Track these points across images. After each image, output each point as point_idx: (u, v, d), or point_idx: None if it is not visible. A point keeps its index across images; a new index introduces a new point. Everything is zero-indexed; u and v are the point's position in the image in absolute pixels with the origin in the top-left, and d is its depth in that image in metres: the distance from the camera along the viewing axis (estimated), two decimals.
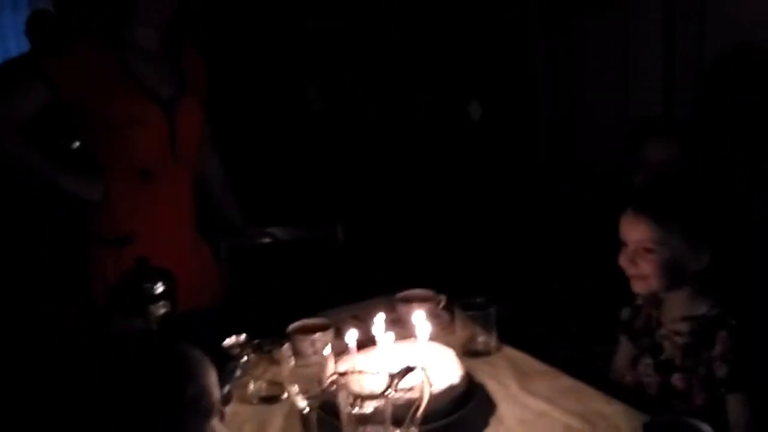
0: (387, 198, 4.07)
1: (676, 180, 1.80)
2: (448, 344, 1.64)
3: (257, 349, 1.64)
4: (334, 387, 1.31)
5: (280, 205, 3.40)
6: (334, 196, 4.06)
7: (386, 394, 1.24)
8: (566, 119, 3.47)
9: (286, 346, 1.46)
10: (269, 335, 1.67)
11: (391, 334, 1.54)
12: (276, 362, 1.62)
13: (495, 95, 3.72)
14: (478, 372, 1.63)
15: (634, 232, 1.61)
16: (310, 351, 1.59)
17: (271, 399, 1.59)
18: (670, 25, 2.85)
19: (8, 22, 5.62)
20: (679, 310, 1.64)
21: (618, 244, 1.66)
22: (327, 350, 1.44)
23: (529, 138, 3.61)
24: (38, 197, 2.88)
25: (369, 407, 1.24)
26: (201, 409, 0.97)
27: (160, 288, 1.61)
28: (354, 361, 1.49)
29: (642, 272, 1.60)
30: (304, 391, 1.39)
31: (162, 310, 1.61)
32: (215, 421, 1.03)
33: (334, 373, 1.35)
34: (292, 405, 1.47)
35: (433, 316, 1.82)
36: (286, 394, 1.53)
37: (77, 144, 2.77)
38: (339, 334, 1.74)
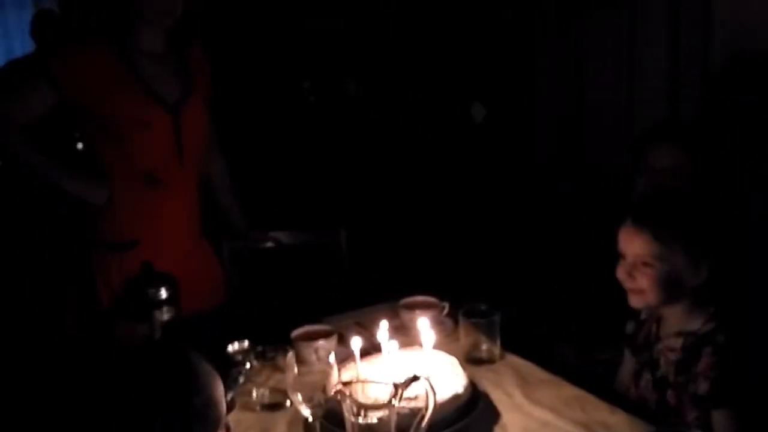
0: (390, 203, 4.07)
1: (678, 193, 1.76)
2: (451, 352, 1.64)
3: (260, 356, 1.63)
4: (339, 396, 1.30)
5: (283, 210, 3.40)
6: (338, 200, 4.06)
7: (391, 403, 1.24)
8: (571, 120, 3.46)
9: (291, 354, 1.46)
10: (272, 340, 1.67)
11: (395, 343, 1.53)
12: (279, 369, 1.62)
13: (498, 96, 3.72)
14: (481, 380, 1.62)
15: (633, 245, 1.58)
16: (313, 358, 1.58)
17: (274, 406, 1.58)
18: (674, 24, 2.84)
19: (13, 21, 5.61)
20: (674, 325, 1.61)
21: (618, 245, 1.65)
22: (331, 358, 1.43)
23: (531, 139, 3.61)
24: (38, 196, 2.87)
25: (374, 417, 1.23)
26: (209, 422, 0.97)
27: (164, 293, 1.60)
28: (358, 369, 1.49)
29: (639, 286, 1.57)
30: (307, 400, 1.38)
31: (166, 316, 1.60)
32: None
33: (339, 383, 1.35)
34: (296, 413, 1.47)
35: (436, 323, 1.82)
36: (289, 402, 1.52)
37: (82, 145, 2.76)
38: (342, 341, 1.74)
